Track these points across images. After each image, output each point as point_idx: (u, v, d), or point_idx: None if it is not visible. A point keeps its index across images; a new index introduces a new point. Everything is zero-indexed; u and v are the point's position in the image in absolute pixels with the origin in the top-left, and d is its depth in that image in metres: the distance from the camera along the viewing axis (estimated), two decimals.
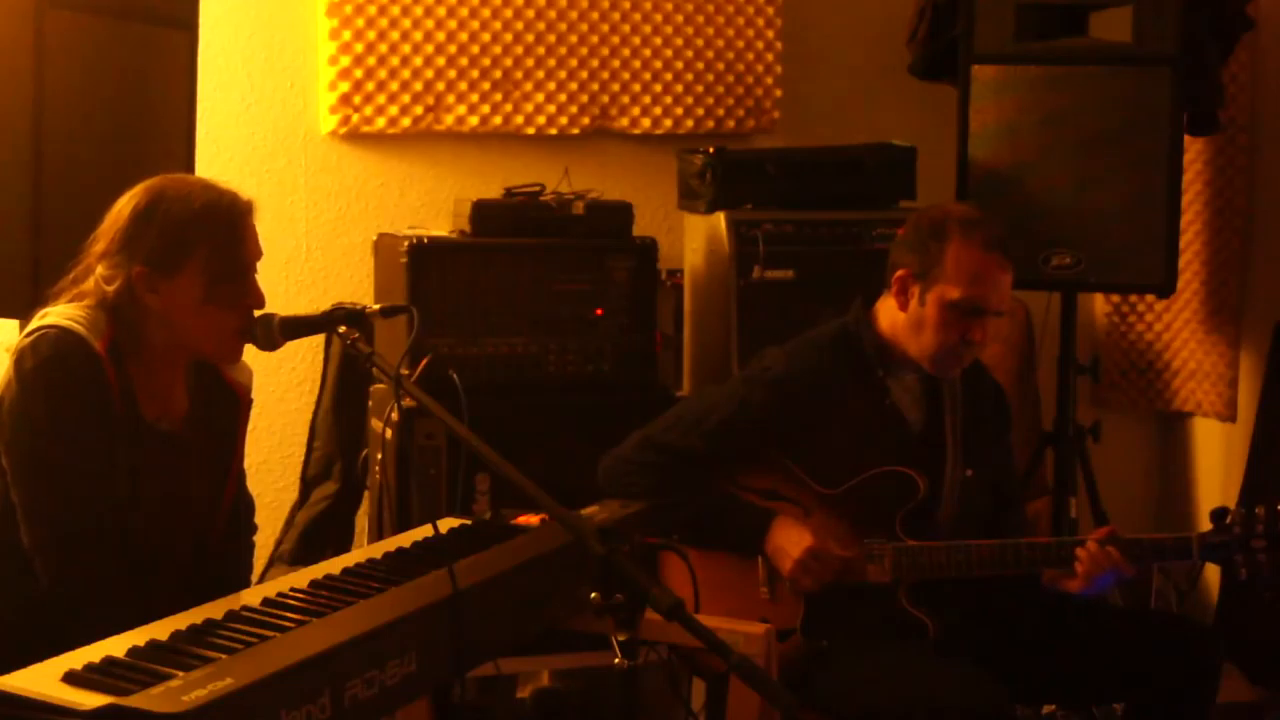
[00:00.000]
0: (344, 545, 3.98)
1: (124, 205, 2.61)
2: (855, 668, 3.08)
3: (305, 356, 4.26)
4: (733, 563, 3.18)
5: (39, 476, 2.52)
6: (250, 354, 2.73)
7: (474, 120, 4.39)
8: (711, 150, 4.06)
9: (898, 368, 3.23)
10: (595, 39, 4.50)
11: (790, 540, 3.10)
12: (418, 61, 4.32)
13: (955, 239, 3.14)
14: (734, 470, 3.21)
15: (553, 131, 4.47)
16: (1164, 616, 4.12)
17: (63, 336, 2.52)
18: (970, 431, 3.30)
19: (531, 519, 2.81)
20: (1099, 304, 5.03)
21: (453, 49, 4.36)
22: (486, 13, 4.38)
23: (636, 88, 4.55)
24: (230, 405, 2.82)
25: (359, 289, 4.28)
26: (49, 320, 2.56)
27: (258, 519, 3.06)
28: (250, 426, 2.88)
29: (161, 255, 2.58)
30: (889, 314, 3.23)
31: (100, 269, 2.59)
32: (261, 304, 2.68)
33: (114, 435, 2.55)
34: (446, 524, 2.83)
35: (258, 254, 2.69)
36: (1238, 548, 3.06)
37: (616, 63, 4.53)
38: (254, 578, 3.36)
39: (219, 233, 2.61)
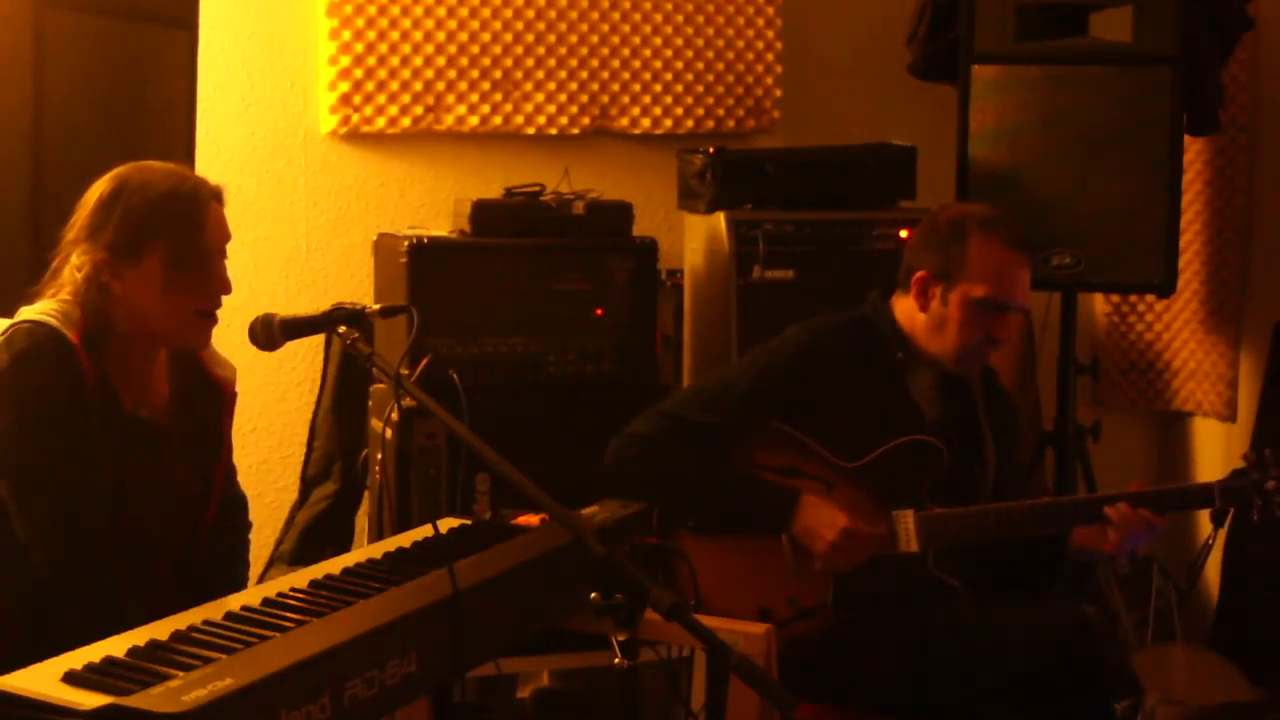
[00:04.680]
0: (344, 545, 3.97)
1: (92, 193, 2.65)
2: (911, 629, 3.09)
3: (305, 356, 4.26)
4: (751, 544, 3.15)
5: (25, 466, 2.53)
6: (250, 354, 2.73)
7: (474, 120, 4.39)
8: (711, 150, 4.05)
9: (915, 362, 3.26)
10: (595, 39, 4.50)
11: (822, 521, 3.08)
12: (418, 61, 4.32)
13: (977, 237, 3.19)
14: (750, 448, 3.19)
15: (553, 131, 4.47)
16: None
17: (34, 330, 2.55)
18: (993, 430, 3.35)
19: (531, 519, 2.81)
20: (1099, 304, 5.03)
21: (453, 49, 4.36)
22: (486, 13, 4.38)
23: (636, 88, 4.55)
24: (213, 398, 2.83)
25: (359, 289, 4.28)
26: (22, 316, 2.60)
27: (258, 519, 3.06)
28: (250, 427, 2.88)
29: (123, 243, 2.60)
30: (907, 313, 3.26)
31: (73, 256, 2.63)
32: (228, 290, 2.70)
33: (94, 421, 2.56)
34: (446, 524, 2.83)
35: (223, 239, 2.70)
36: (1254, 491, 3.15)
37: (616, 63, 4.52)
38: (254, 578, 3.36)
39: (179, 220, 2.62)
